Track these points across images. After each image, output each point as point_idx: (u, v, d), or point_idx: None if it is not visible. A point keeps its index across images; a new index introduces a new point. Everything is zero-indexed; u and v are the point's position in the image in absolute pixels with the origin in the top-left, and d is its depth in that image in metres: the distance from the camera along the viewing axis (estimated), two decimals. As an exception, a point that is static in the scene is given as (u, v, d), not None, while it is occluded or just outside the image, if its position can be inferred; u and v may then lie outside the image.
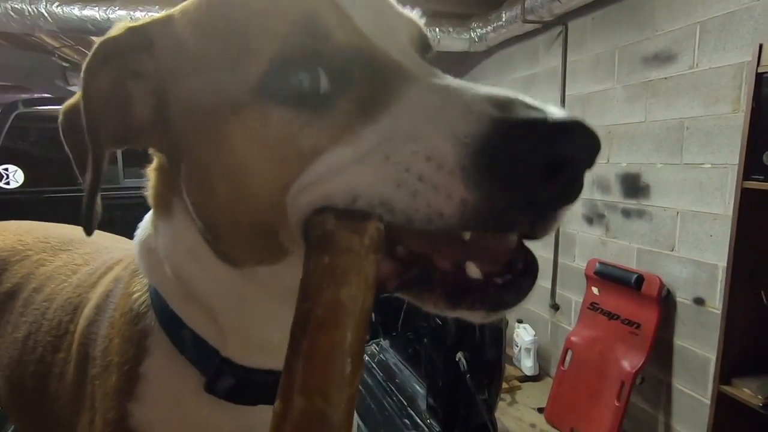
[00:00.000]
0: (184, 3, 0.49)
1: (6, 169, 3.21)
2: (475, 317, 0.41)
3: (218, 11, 0.45)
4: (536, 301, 3.80)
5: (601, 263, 2.98)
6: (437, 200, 0.35)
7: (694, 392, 2.50)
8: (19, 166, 3.23)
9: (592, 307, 3.02)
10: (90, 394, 0.62)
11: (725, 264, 2.01)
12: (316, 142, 0.41)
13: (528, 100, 0.35)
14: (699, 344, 2.47)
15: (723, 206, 2.30)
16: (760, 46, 1.82)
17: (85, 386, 0.63)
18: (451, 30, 3.82)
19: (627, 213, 2.90)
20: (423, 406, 1.91)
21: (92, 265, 0.83)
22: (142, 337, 0.59)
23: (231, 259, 0.51)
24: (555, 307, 3.56)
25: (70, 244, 0.96)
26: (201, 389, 0.56)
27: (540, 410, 3.16)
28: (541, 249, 3.70)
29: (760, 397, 1.86)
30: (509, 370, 3.61)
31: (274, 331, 0.54)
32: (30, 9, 3.23)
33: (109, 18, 3.26)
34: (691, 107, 2.46)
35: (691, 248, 2.50)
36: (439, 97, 0.38)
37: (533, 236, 0.41)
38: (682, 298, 2.55)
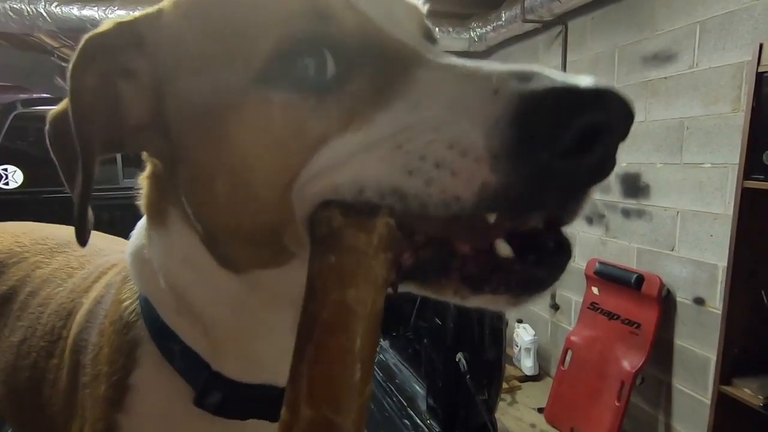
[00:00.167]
0: None
1: (5, 170, 3.20)
2: (500, 303, 0.38)
3: None
4: (536, 301, 3.79)
5: (601, 263, 2.98)
6: (455, 185, 0.33)
7: (694, 392, 2.50)
8: (18, 167, 3.22)
9: (592, 307, 3.02)
10: (81, 402, 0.61)
11: (725, 264, 2.01)
12: (323, 130, 0.38)
13: (550, 71, 0.32)
14: (699, 344, 2.46)
15: (723, 206, 2.30)
16: (761, 46, 1.82)
17: (77, 393, 0.62)
18: (451, 30, 3.82)
19: (627, 213, 2.90)
20: (423, 406, 1.91)
21: (87, 268, 0.82)
22: (132, 347, 0.57)
23: (233, 264, 0.49)
24: (555, 307, 3.56)
25: (67, 246, 0.95)
26: (190, 402, 0.55)
27: (540, 410, 3.16)
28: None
29: (760, 397, 1.86)
30: (509, 370, 3.61)
31: (268, 344, 0.53)
32: (29, 9, 3.23)
33: (108, 18, 3.26)
34: (691, 107, 2.46)
35: (691, 248, 2.50)
36: (458, 80, 0.35)
37: (561, 221, 0.38)
38: (682, 298, 2.55)
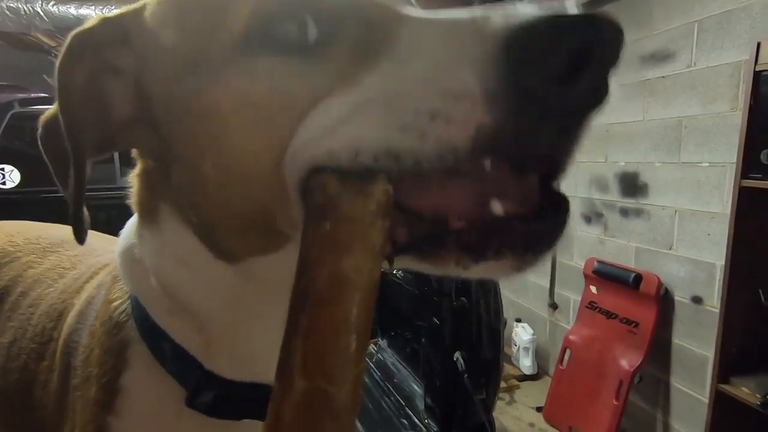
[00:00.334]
0: None
1: (2, 169, 3.20)
2: (504, 269, 0.36)
3: None
4: (534, 300, 3.80)
5: (600, 262, 2.98)
6: (449, 134, 0.32)
7: (692, 391, 2.50)
8: (15, 166, 3.22)
9: (590, 306, 3.02)
10: (71, 404, 0.60)
11: (723, 263, 2.01)
12: (310, 95, 0.37)
13: (532, 4, 0.32)
14: (697, 343, 2.47)
15: (721, 205, 2.30)
16: (758, 45, 1.82)
17: (68, 396, 0.62)
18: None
19: (625, 212, 2.90)
20: (421, 405, 1.91)
21: (79, 268, 0.81)
22: (122, 348, 0.56)
23: (228, 253, 0.48)
24: (553, 306, 3.56)
25: (60, 246, 0.94)
26: (182, 403, 0.54)
27: (538, 409, 3.16)
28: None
29: (758, 395, 1.86)
30: (508, 369, 3.61)
31: (262, 338, 0.52)
32: (26, 8, 3.23)
33: (105, 17, 3.25)
34: (688, 106, 2.46)
35: (689, 247, 2.50)
36: (442, 30, 0.35)
37: (554, 165, 0.37)
38: (680, 296, 2.56)
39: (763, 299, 1.95)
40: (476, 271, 0.37)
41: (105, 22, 0.46)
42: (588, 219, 3.19)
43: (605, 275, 2.91)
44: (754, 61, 1.81)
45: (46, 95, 5.10)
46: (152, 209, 0.52)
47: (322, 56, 0.38)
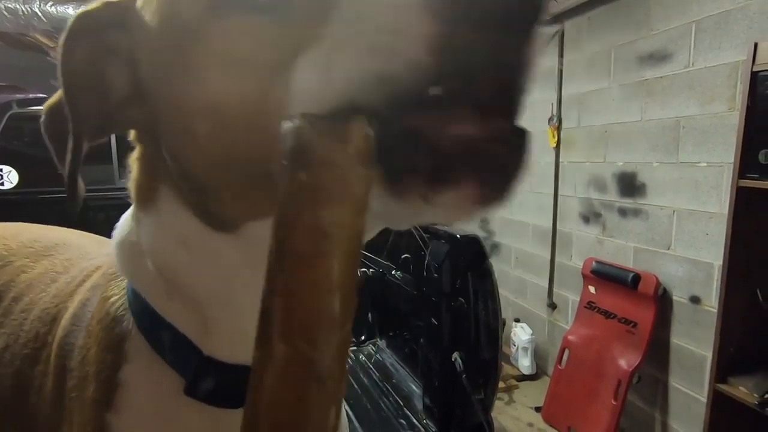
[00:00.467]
0: None
1: (0, 170, 3.19)
2: (469, 202, 0.35)
3: None
4: (533, 300, 3.81)
5: (598, 262, 2.99)
6: (408, 50, 0.32)
7: (690, 390, 2.51)
8: (13, 167, 3.21)
9: (588, 306, 3.03)
10: (68, 407, 0.60)
11: (721, 263, 2.02)
12: (278, 48, 0.38)
13: None
14: (695, 342, 2.47)
15: (719, 205, 2.31)
16: (755, 45, 1.83)
17: (65, 400, 0.61)
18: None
19: (623, 212, 2.91)
20: (419, 406, 1.91)
21: (71, 272, 0.81)
22: (120, 341, 0.56)
23: (226, 221, 0.48)
24: (552, 306, 3.57)
25: (53, 249, 0.93)
26: (182, 394, 0.54)
27: (537, 409, 3.17)
28: (538, 248, 3.71)
29: (755, 395, 1.87)
30: (506, 369, 3.62)
31: None
32: (24, 8, 3.22)
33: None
34: (686, 106, 2.47)
35: (687, 247, 2.51)
36: None
37: (512, 98, 0.37)
38: (679, 296, 2.56)
39: (760, 299, 1.95)
40: (440, 204, 0.36)
41: (106, 5, 0.49)
42: (586, 219, 3.20)
43: (604, 275, 2.92)
44: (752, 61, 1.82)
45: (45, 96, 5.10)
46: (150, 191, 0.53)
47: (284, 14, 0.39)
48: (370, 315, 2.55)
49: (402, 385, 2.12)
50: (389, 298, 2.36)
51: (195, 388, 0.54)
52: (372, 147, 0.32)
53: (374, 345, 2.51)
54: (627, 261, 2.88)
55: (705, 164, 2.39)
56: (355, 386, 2.14)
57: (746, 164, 1.86)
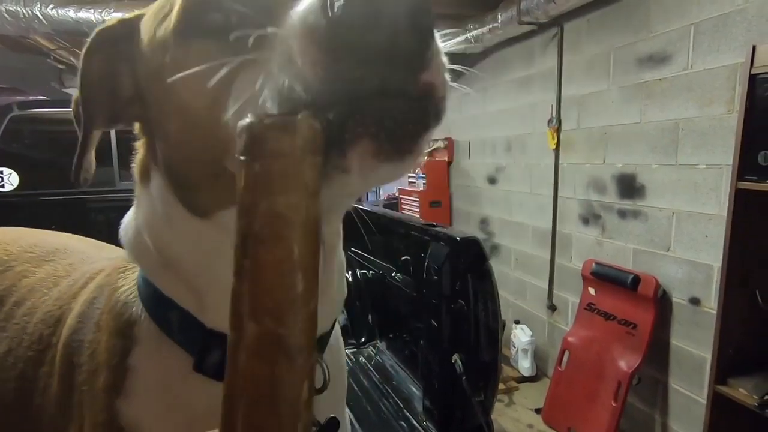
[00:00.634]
0: None
1: (1, 172, 3.20)
2: (368, 158, 0.40)
3: None
4: (533, 302, 3.81)
5: (598, 264, 2.99)
6: (302, 72, 0.38)
7: (690, 392, 2.51)
8: (13, 169, 3.22)
9: (588, 307, 3.03)
10: (77, 403, 0.61)
11: (720, 264, 2.02)
12: (228, 66, 0.44)
13: None
14: (695, 344, 2.48)
15: (718, 206, 2.31)
16: (753, 48, 1.83)
17: (72, 397, 0.62)
18: (447, 31, 3.82)
19: (623, 213, 2.91)
20: (419, 408, 1.91)
21: (73, 276, 0.82)
22: (129, 326, 0.59)
23: (200, 208, 0.54)
24: (552, 307, 3.57)
25: (55, 254, 0.94)
26: (190, 371, 0.56)
27: (537, 411, 3.17)
28: (538, 249, 3.72)
29: (755, 396, 1.87)
30: (506, 370, 3.62)
31: None
32: (25, 11, 3.23)
33: (104, 20, 3.24)
34: (685, 108, 2.47)
35: (686, 248, 2.51)
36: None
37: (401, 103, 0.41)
38: (678, 298, 2.56)
39: (760, 300, 1.95)
40: (355, 172, 0.40)
41: (121, 22, 0.59)
42: (586, 221, 3.20)
43: (603, 277, 2.92)
44: (750, 63, 1.83)
45: (45, 98, 5.11)
46: (147, 171, 0.61)
47: (230, 39, 0.45)
48: (370, 317, 2.55)
49: (402, 387, 2.12)
50: (389, 300, 2.36)
51: (203, 362, 0.56)
52: (319, 137, 0.35)
53: (374, 347, 2.51)
54: (626, 262, 2.88)
55: (704, 166, 2.39)
56: (356, 388, 2.13)
57: (745, 166, 1.86)
